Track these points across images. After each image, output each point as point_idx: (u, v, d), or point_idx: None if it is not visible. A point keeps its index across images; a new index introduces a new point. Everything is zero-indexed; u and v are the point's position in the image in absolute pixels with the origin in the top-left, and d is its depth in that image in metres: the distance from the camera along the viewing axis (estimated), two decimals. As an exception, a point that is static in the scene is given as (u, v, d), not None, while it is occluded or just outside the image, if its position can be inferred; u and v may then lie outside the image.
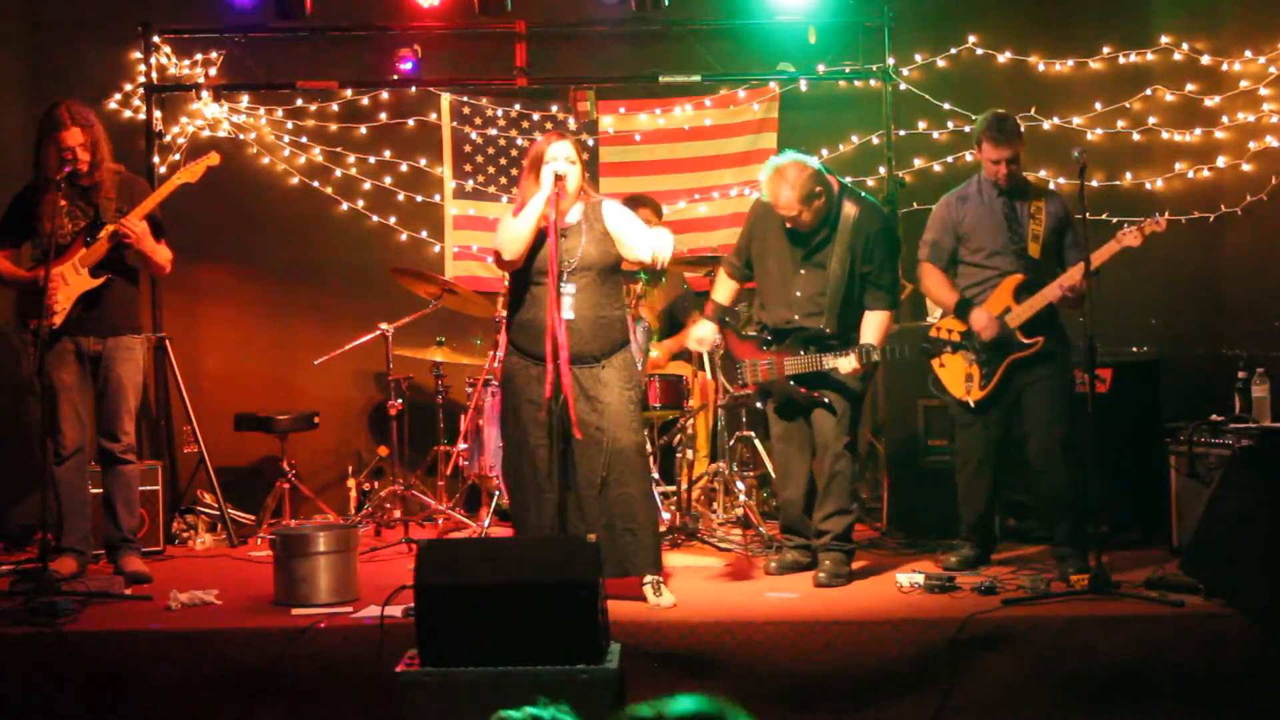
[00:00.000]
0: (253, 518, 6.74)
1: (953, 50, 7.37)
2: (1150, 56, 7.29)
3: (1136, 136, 7.25)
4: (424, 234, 7.49)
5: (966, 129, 7.19)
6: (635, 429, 4.89)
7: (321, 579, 4.92)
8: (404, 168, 7.48)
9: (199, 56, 7.37)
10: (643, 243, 4.83)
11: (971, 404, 5.38)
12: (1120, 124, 7.28)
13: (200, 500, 6.84)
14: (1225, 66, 7.10)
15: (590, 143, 7.45)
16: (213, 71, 7.36)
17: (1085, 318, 4.94)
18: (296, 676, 4.45)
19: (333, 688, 4.43)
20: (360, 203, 7.47)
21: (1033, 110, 7.13)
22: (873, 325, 5.23)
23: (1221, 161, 7.10)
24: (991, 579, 5.04)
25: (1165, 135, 7.21)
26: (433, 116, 7.51)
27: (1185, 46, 7.21)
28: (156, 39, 7.24)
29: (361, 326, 6.79)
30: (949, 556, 5.50)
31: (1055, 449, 5.29)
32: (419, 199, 7.49)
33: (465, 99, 7.51)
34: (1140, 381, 6.11)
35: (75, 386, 5.49)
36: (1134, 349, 6.42)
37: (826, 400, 5.24)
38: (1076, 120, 7.30)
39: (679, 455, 6.43)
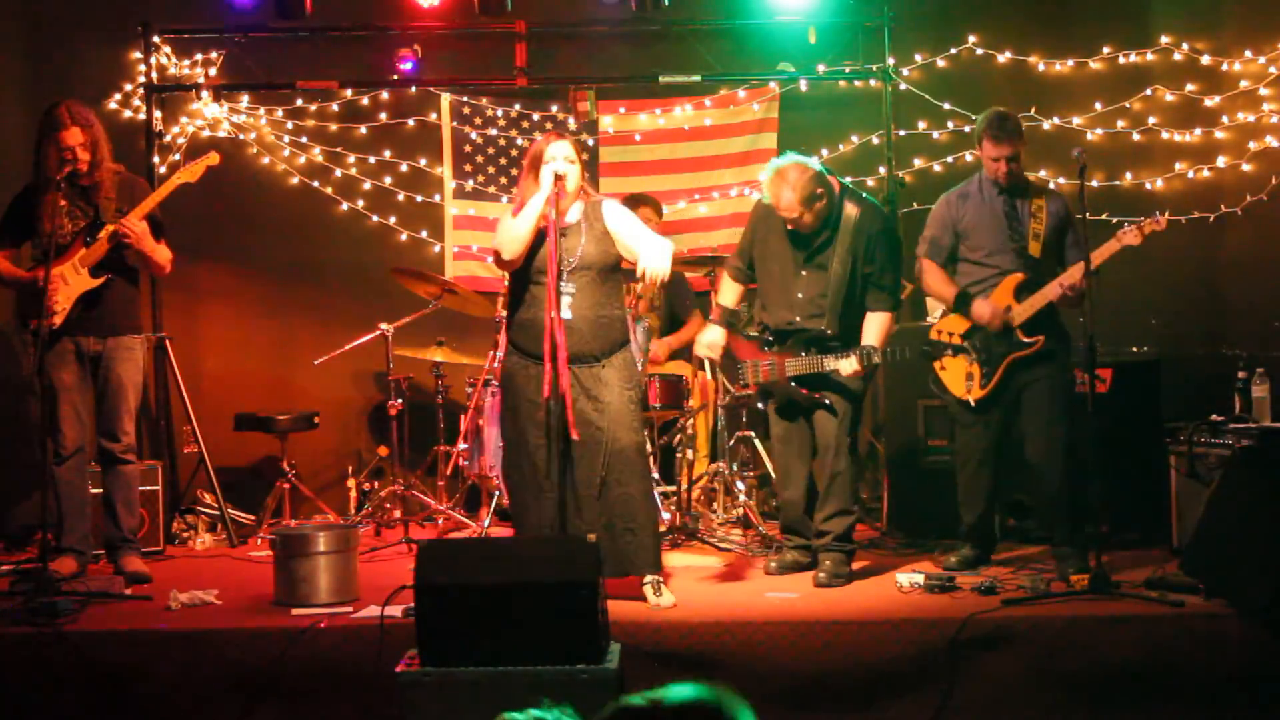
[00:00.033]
0: (253, 518, 6.74)
1: (953, 50, 7.37)
2: (1150, 56, 7.29)
3: (1136, 136, 7.25)
4: (424, 234, 7.49)
5: (966, 129, 7.19)
6: (635, 429, 4.89)
7: (321, 579, 4.92)
8: (404, 168, 7.49)
9: (199, 56, 7.37)
10: (645, 251, 4.81)
11: (972, 403, 5.38)
12: (1120, 124, 7.28)
13: (200, 500, 6.84)
14: (1225, 66, 7.11)
15: (590, 143, 7.44)
16: (213, 71, 7.36)
17: (1085, 318, 4.94)
18: (296, 676, 4.45)
19: (333, 688, 4.43)
20: (360, 203, 7.47)
21: (1033, 110, 7.13)
22: (874, 327, 5.23)
23: (1221, 161, 7.10)
24: (991, 579, 5.04)
25: (1165, 135, 7.21)
26: (433, 116, 7.51)
27: (1185, 46, 7.21)
28: (156, 39, 7.24)
29: (361, 326, 6.79)
30: (949, 556, 5.50)
31: (1055, 449, 5.29)
32: (419, 199, 7.49)
33: (465, 99, 7.51)
34: (1140, 381, 6.11)
35: (75, 386, 5.49)
36: (1134, 349, 6.42)
37: (827, 401, 5.24)
38: (1076, 120, 7.30)
39: (679, 455, 6.43)
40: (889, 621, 4.55)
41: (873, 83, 7.36)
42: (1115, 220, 5.34)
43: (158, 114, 7.22)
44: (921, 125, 7.39)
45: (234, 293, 7.52)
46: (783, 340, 5.33)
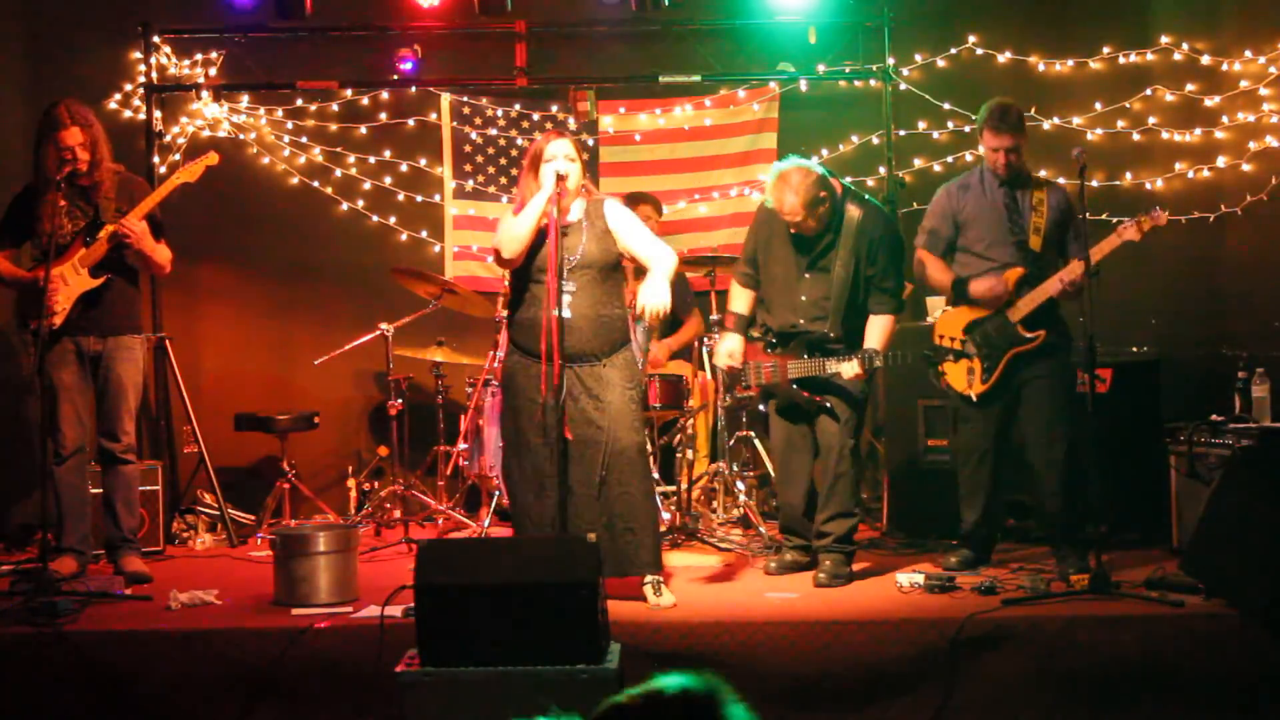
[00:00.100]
0: (253, 518, 6.74)
1: (953, 50, 7.37)
2: (1150, 56, 7.29)
3: (1136, 136, 7.25)
4: (424, 234, 7.49)
5: (966, 129, 7.20)
6: (636, 428, 4.89)
7: (321, 579, 4.92)
8: (404, 168, 7.49)
9: (199, 56, 7.37)
10: (644, 288, 4.80)
11: (974, 398, 5.37)
12: (1120, 124, 7.28)
13: (200, 500, 6.84)
14: (1225, 66, 7.10)
15: (590, 143, 7.44)
16: (213, 71, 7.36)
17: (1085, 318, 4.94)
18: (296, 676, 4.45)
19: (333, 688, 4.43)
20: (360, 203, 7.47)
21: (1033, 110, 7.12)
22: (876, 330, 5.22)
23: (1221, 161, 7.09)
24: (991, 579, 5.04)
25: (1165, 135, 7.21)
26: (433, 116, 7.51)
27: (1185, 46, 7.21)
28: (156, 39, 7.25)
29: (361, 326, 6.79)
30: (949, 556, 5.50)
31: (1056, 446, 5.29)
32: (419, 199, 7.49)
33: (465, 99, 7.51)
34: (1140, 381, 6.11)
35: (75, 386, 5.49)
36: (1134, 349, 6.42)
37: (829, 405, 5.24)
38: (1076, 120, 7.30)
39: (679, 455, 6.43)
40: (889, 621, 4.55)
41: (873, 83, 7.36)
42: (1115, 220, 5.32)
43: (158, 114, 7.22)
44: (921, 125, 7.39)
45: (234, 293, 7.52)
46: (785, 342, 5.33)
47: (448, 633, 3.86)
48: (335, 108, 7.48)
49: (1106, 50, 7.31)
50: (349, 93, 7.43)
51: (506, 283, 6.57)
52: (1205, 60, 7.16)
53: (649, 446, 5.42)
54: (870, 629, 4.50)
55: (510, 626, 3.85)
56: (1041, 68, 7.33)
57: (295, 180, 7.45)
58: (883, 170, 7.30)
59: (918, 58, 7.38)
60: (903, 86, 7.33)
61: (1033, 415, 5.35)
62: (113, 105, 7.25)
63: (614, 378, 4.87)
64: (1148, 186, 7.21)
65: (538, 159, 4.87)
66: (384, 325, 6.64)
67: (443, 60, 7.43)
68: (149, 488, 6.15)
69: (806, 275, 5.29)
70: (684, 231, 7.47)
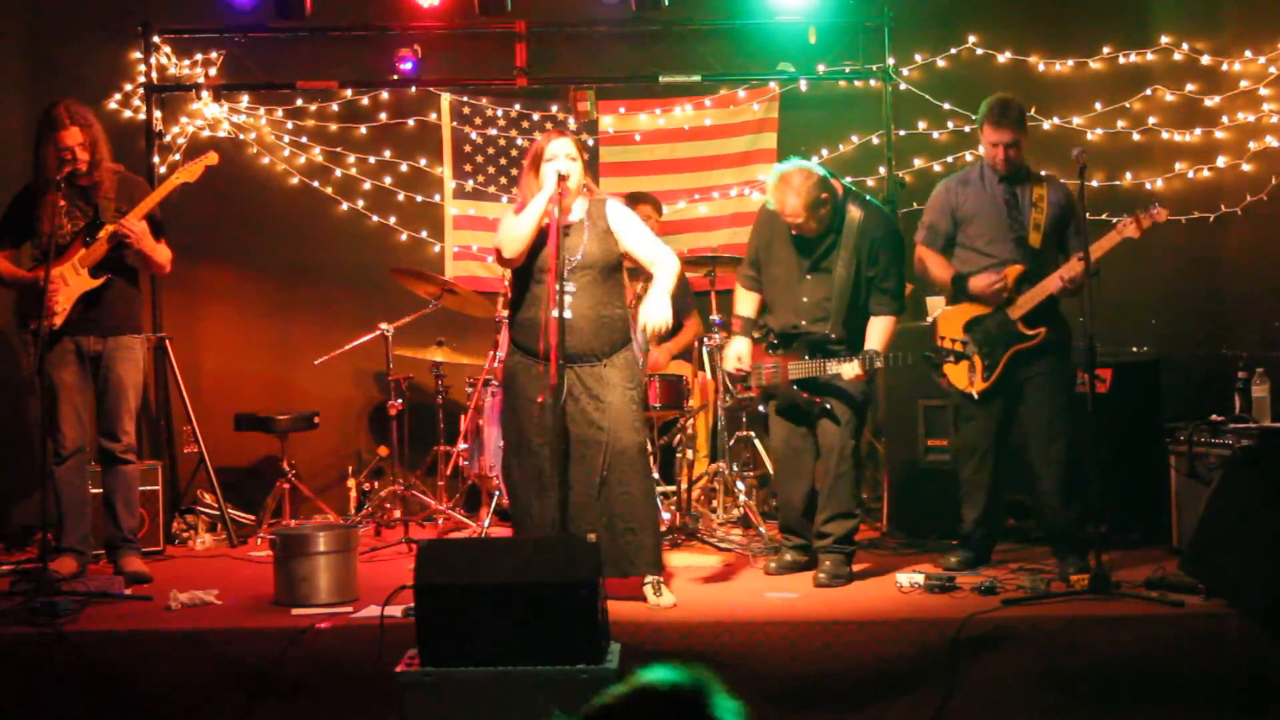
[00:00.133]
0: (253, 518, 6.74)
1: (953, 50, 7.37)
2: (1150, 56, 7.29)
3: (1136, 136, 7.25)
4: (424, 234, 7.49)
5: (967, 129, 7.20)
6: (637, 428, 4.89)
7: (321, 579, 4.92)
8: (404, 168, 7.49)
9: (199, 56, 7.37)
10: (645, 306, 4.81)
11: (975, 395, 5.37)
12: (1120, 124, 7.28)
13: (200, 500, 6.84)
14: (1225, 66, 7.10)
15: (590, 143, 7.44)
16: (213, 71, 7.36)
17: (1085, 318, 4.94)
18: (296, 676, 4.45)
19: (333, 688, 4.43)
20: (360, 203, 7.47)
21: (1033, 110, 7.11)
22: (877, 331, 5.22)
23: (1221, 161, 7.10)
24: (991, 579, 5.03)
25: (1165, 135, 7.21)
26: (433, 116, 7.51)
27: (1185, 46, 7.21)
28: (156, 39, 7.25)
29: (361, 326, 6.79)
30: (949, 556, 5.50)
31: (1056, 445, 5.29)
32: (419, 199, 7.49)
33: (465, 99, 7.51)
34: (1140, 381, 6.11)
35: (75, 386, 5.49)
36: (1134, 349, 6.42)
37: (829, 406, 5.24)
38: (1076, 120, 7.30)
39: (679, 455, 6.43)
40: (889, 621, 4.55)
41: (873, 83, 7.36)
42: (1115, 220, 5.32)
43: (158, 114, 7.22)
44: (921, 125, 7.39)
45: (234, 293, 7.52)
46: (787, 343, 5.33)
47: (448, 633, 3.86)
48: (335, 108, 7.48)
49: (1106, 50, 7.31)
50: (349, 93, 7.43)
51: (507, 282, 6.59)
52: (1205, 60, 7.16)
53: (649, 446, 5.42)
54: (870, 629, 4.50)
55: (510, 626, 3.85)
56: (1041, 68, 7.33)
57: (295, 180, 7.45)
58: (883, 170, 7.30)
59: (918, 58, 7.38)
60: (903, 86, 7.33)
61: (1033, 414, 5.35)
62: (113, 105, 7.25)
63: (614, 378, 4.87)
64: (1148, 186, 7.21)
65: (539, 158, 4.87)
66: (384, 325, 6.64)
67: (443, 60, 7.43)
68: (149, 488, 6.15)
69: (808, 277, 5.29)
70: (684, 231, 7.47)
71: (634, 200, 6.63)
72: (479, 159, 7.52)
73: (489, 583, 3.91)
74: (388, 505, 6.69)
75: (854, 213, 5.24)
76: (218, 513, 6.63)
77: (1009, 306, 5.32)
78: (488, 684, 3.79)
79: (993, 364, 5.32)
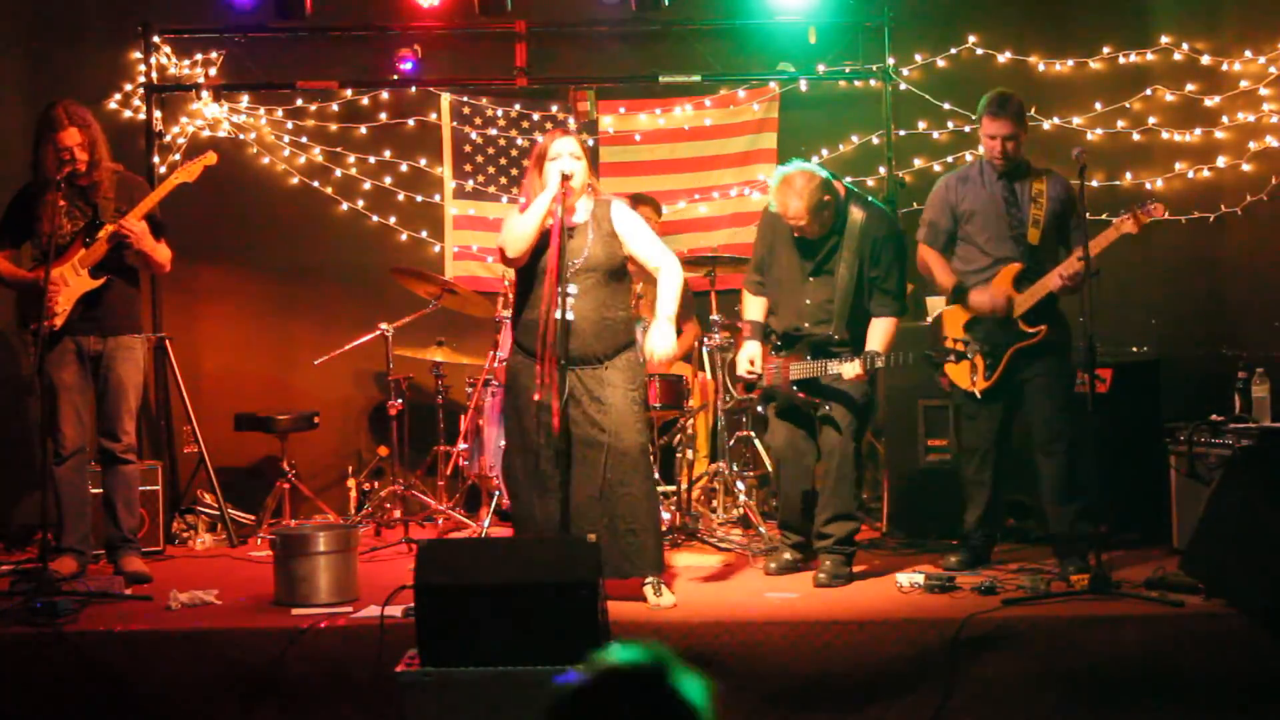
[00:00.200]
0: (253, 518, 6.74)
1: (953, 50, 7.37)
2: (1150, 56, 7.29)
3: (1136, 136, 7.25)
4: (424, 234, 7.49)
5: (967, 129, 7.20)
6: (639, 429, 4.88)
7: (321, 579, 4.92)
8: (404, 168, 7.49)
9: (199, 56, 7.37)
10: (650, 335, 4.84)
11: (977, 394, 5.37)
12: (1120, 124, 7.28)
13: (200, 500, 6.84)
14: (1225, 66, 7.10)
15: (590, 143, 7.43)
16: (213, 71, 7.36)
17: (1085, 318, 4.93)
18: (296, 676, 4.45)
19: (333, 688, 4.43)
20: (360, 203, 7.47)
21: (1033, 110, 7.11)
22: (879, 332, 5.21)
23: (1221, 161, 7.10)
24: (991, 579, 5.03)
25: (1165, 135, 7.21)
26: (433, 116, 7.51)
27: (1185, 46, 7.21)
28: (156, 39, 7.25)
29: (361, 326, 6.79)
30: (949, 556, 5.50)
31: (1057, 445, 5.29)
32: (419, 199, 7.49)
33: (465, 99, 7.51)
34: (1140, 381, 6.11)
35: (75, 386, 5.49)
36: (1134, 349, 6.42)
37: (829, 407, 5.24)
38: (1076, 120, 7.30)
39: (679, 455, 6.43)
40: (889, 621, 4.55)
41: (873, 83, 7.36)
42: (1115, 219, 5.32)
43: (158, 114, 7.22)
44: (921, 125, 7.39)
45: (234, 293, 7.52)
46: (790, 345, 5.33)
47: (448, 633, 3.87)
48: (335, 108, 7.48)
49: (1106, 50, 7.31)
50: (349, 93, 7.43)
51: (507, 282, 6.61)
52: (1205, 60, 7.16)
53: (650, 447, 5.42)
54: (870, 629, 4.50)
55: (510, 626, 3.85)
56: (1041, 68, 7.33)
57: (295, 180, 7.45)
58: (883, 170, 7.30)
59: (918, 58, 7.38)
60: (903, 86, 7.33)
61: (1033, 414, 5.35)
62: (113, 105, 7.25)
63: (615, 379, 4.86)
64: (1148, 186, 7.21)
65: (542, 157, 4.86)
66: (384, 325, 6.64)
67: (443, 60, 7.43)
68: (149, 488, 6.15)
69: (811, 279, 5.29)
70: (684, 231, 7.48)
71: (634, 202, 6.62)
72: (479, 159, 7.53)
73: (489, 583, 3.91)
74: (388, 505, 6.69)
75: (856, 214, 5.24)
76: (218, 513, 6.63)
77: (1008, 301, 5.31)
78: (488, 684, 3.79)
79: (994, 363, 5.32)
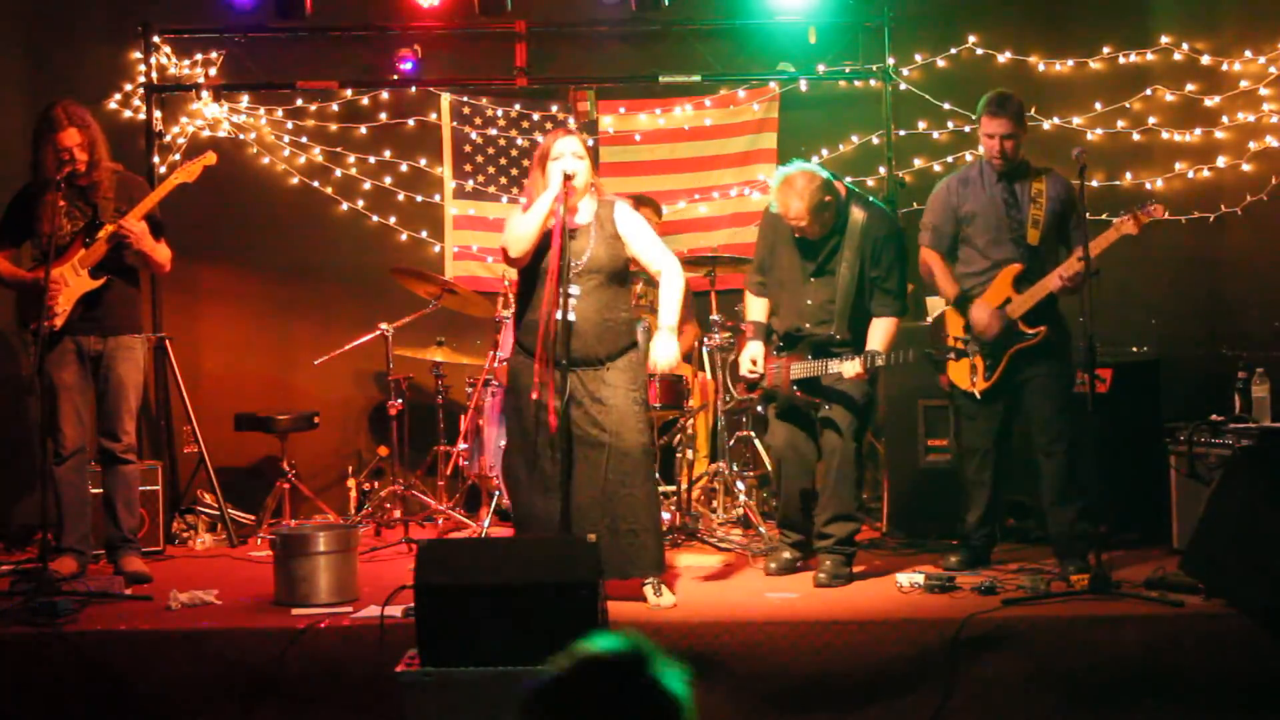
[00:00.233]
0: (253, 518, 6.74)
1: (953, 50, 7.37)
2: (1150, 56, 7.29)
3: (1136, 136, 7.25)
4: (424, 234, 7.49)
5: (967, 129, 7.20)
6: (641, 429, 4.87)
7: (321, 579, 4.92)
8: (404, 168, 7.48)
9: (199, 56, 7.37)
10: (654, 346, 4.86)
11: (977, 395, 5.37)
12: (1120, 124, 7.28)
13: (200, 500, 6.84)
14: (1225, 66, 7.11)
15: (590, 143, 7.42)
16: (213, 71, 7.36)
17: (1085, 318, 4.93)
18: (296, 676, 4.45)
19: (333, 688, 4.43)
20: (360, 203, 7.47)
21: (1033, 110, 7.11)
22: (879, 332, 5.21)
23: (1221, 161, 7.10)
24: (991, 579, 5.04)
25: (1165, 135, 7.21)
26: (433, 116, 7.50)
27: (1185, 46, 7.21)
28: (156, 39, 7.25)
29: (361, 326, 6.79)
30: (949, 556, 5.50)
31: (1057, 445, 5.29)
32: (419, 199, 7.49)
33: (465, 99, 7.51)
34: (1140, 381, 6.11)
35: (76, 386, 5.49)
36: (1134, 349, 6.42)
37: (829, 408, 5.24)
38: (1076, 120, 7.30)
39: (679, 455, 6.43)
40: (889, 621, 4.55)
41: (873, 83, 7.36)
42: (1115, 220, 5.31)
43: (158, 114, 7.22)
44: (921, 125, 7.38)
45: (234, 293, 7.52)
46: (791, 345, 5.33)
47: (448, 633, 3.87)
48: (335, 108, 7.48)
49: (1106, 50, 7.31)
50: (349, 93, 7.43)
51: (506, 282, 6.61)
52: (1205, 60, 7.16)
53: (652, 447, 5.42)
54: (870, 629, 4.50)
55: (510, 626, 3.85)
56: (1041, 68, 7.33)
57: (295, 180, 7.45)
58: (883, 170, 7.30)
59: (918, 58, 7.37)
60: (903, 86, 7.33)
61: (1033, 414, 5.35)
62: (113, 105, 7.25)
63: (616, 379, 4.85)
64: (1148, 186, 7.21)
65: (545, 157, 4.85)
66: (384, 325, 6.64)
67: (443, 60, 7.43)
68: (149, 488, 6.15)
69: (812, 280, 5.29)
70: (684, 231, 7.47)
71: (635, 204, 6.61)
72: (479, 159, 7.52)
73: (489, 583, 3.91)
74: (388, 505, 6.69)
75: (857, 214, 5.24)
76: (218, 513, 6.63)
77: (1008, 305, 5.32)
78: (488, 684, 3.79)
79: (994, 363, 5.32)
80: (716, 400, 6.58)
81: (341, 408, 7.45)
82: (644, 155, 7.56)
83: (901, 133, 7.35)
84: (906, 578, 5.13)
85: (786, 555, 5.45)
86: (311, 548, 4.94)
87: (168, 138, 7.32)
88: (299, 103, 7.44)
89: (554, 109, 7.50)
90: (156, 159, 7.15)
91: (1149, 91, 7.26)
